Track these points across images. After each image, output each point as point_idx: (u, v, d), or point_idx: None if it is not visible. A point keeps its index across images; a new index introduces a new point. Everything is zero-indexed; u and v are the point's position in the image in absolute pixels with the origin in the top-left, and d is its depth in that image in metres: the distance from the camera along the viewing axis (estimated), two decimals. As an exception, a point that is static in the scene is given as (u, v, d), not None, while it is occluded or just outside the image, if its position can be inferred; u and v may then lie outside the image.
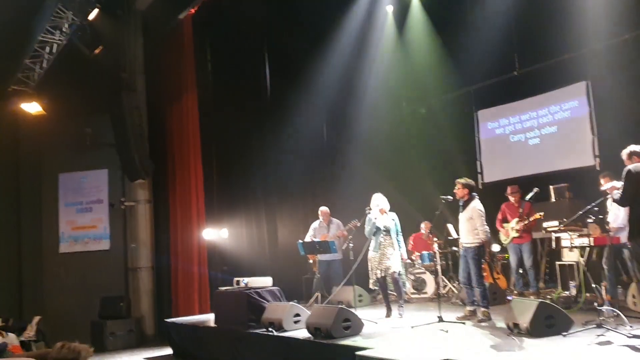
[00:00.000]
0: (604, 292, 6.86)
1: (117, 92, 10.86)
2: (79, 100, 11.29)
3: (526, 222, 8.34)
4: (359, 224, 8.55)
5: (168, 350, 9.13)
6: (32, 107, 11.14)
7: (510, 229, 8.56)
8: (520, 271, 8.73)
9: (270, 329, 6.98)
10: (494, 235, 9.67)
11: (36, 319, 9.51)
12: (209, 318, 8.86)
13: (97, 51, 10.36)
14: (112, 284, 11.24)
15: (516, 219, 8.46)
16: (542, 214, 8.24)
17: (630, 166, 5.13)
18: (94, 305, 10.50)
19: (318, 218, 9.96)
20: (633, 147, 5.34)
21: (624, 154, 5.36)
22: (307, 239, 9.69)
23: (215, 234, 10.93)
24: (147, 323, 11.09)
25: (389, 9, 12.30)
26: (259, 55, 12.16)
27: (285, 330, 6.88)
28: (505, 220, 8.80)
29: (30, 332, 9.29)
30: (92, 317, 10.42)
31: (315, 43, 11.74)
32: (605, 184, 6.63)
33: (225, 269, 11.00)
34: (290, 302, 7.42)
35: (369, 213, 7.72)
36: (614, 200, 5.55)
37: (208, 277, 10.55)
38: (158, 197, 11.65)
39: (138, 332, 10.56)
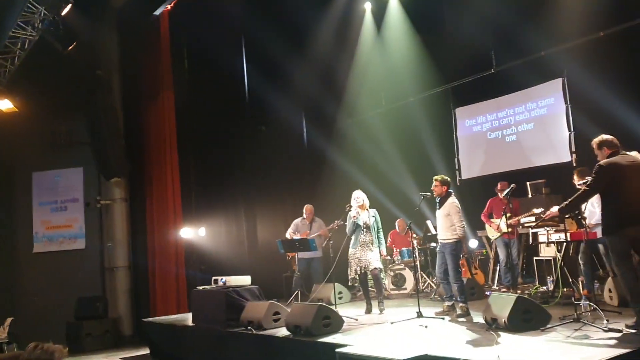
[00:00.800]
0: (580, 287, 6.96)
1: (92, 90, 10.70)
2: (53, 97, 11.09)
3: (530, 214, 8.28)
4: (341, 223, 8.58)
5: (145, 351, 9.03)
6: (4, 104, 10.88)
7: (503, 224, 8.52)
8: (498, 267, 8.80)
9: (249, 328, 6.92)
10: (473, 230, 9.76)
11: (8, 320, 9.32)
12: (187, 317, 8.76)
13: (71, 48, 10.18)
14: (89, 284, 11.07)
15: (508, 214, 8.42)
16: (542, 209, 8.23)
17: (603, 162, 5.18)
18: (69, 305, 10.33)
19: (298, 215, 9.94)
20: (604, 137, 5.35)
21: (595, 142, 5.37)
22: (288, 234, 9.68)
23: (193, 233, 10.84)
24: (124, 323, 10.95)
25: (367, 6, 12.31)
26: (236, 53, 12.09)
27: (265, 329, 6.83)
28: (491, 215, 8.84)
29: (2, 334, 9.10)
30: (68, 318, 10.25)
31: (293, 40, 11.71)
32: (579, 181, 6.66)
33: (203, 267, 10.91)
34: (270, 301, 7.36)
35: (350, 210, 7.74)
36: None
37: (186, 276, 10.45)
38: (134, 195, 11.51)
39: (115, 332, 10.42)
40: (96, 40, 10.68)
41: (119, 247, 11.24)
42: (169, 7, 10.99)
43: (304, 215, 9.84)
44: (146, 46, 11.31)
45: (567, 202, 5.39)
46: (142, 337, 9.69)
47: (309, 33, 11.94)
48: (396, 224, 10.54)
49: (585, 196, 5.30)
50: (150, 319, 9.35)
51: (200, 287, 8.42)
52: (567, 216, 6.55)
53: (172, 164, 10.74)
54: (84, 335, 9.87)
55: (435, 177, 7.25)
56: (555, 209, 5.53)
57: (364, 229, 7.64)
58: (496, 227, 8.62)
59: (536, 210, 8.05)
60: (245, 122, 12.05)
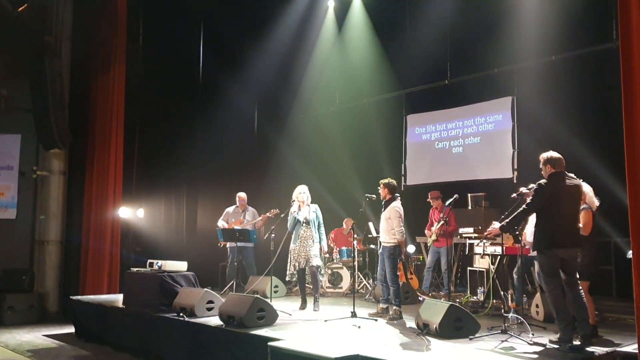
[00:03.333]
0: (510, 300, 7.18)
1: (39, 55, 10.26)
2: (-3, 59, 10.59)
3: (439, 226, 8.59)
4: (277, 212, 8.57)
5: (70, 329, 8.75)
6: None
7: (433, 233, 8.80)
8: (426, 273, 9.05)
9: (181, 315, 6.83)
10: (412, 236, 9.93)
11: None
12: (118, 299, 8.54)
13: (21, 9, 9.75)
14: (16, 256, 10.62)
15: (436, 223, 8.75)
16: (443, 223, 8.51)
17: (543, 181, 5.36)
18: (-7, 277, 9.94)
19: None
20: (552, 154, 5.40)
21: (542, 157, 5.43)
22: (220, 223, 9.57)
23: (132, 213, 10.60)
24: (50, 299, 10.56)
25: (330, 4, 12.34)
26: (194, 35, 11.92)
27: (197, 317, 6.74)
28: (433, 223, 9.07)
29: None
30: (-10, 289, 9.86)
31: (253, 28, 11.62)
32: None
33: (138, 249, 10.70)
34: (204, 289, 7.27)
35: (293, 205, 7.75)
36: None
37: (120, 257, 10.20)
38: (74, 169, 11.11)
39: (40, 308, 10.07)
40: (49, 5, 10.27)
41: (52, 221, 10.84)
42: (128, -20, 10.68)
43: (237, 204, 9.76)
44: (101, 17, 10.94)
45: (507, 220, 5.53)
46: (68, 315, 9.40)
47: (270, 23, 11.87)
48: (344, 223, 10.57)
49: (524, 214, 5.46)
50: (79, 297, 9.08)
51: (134, 269, 8.25)
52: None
53: (116, 141, 10.43)
54: (6, 309, 9.51)
55: (381, 180, 7.34)
56: (496, 226, 5.68)
57: (304, 225, 7.64)
58: (430, 233, 8.89)
59: (442, 222, 8.34)
60: (197, 105, 11.87)
